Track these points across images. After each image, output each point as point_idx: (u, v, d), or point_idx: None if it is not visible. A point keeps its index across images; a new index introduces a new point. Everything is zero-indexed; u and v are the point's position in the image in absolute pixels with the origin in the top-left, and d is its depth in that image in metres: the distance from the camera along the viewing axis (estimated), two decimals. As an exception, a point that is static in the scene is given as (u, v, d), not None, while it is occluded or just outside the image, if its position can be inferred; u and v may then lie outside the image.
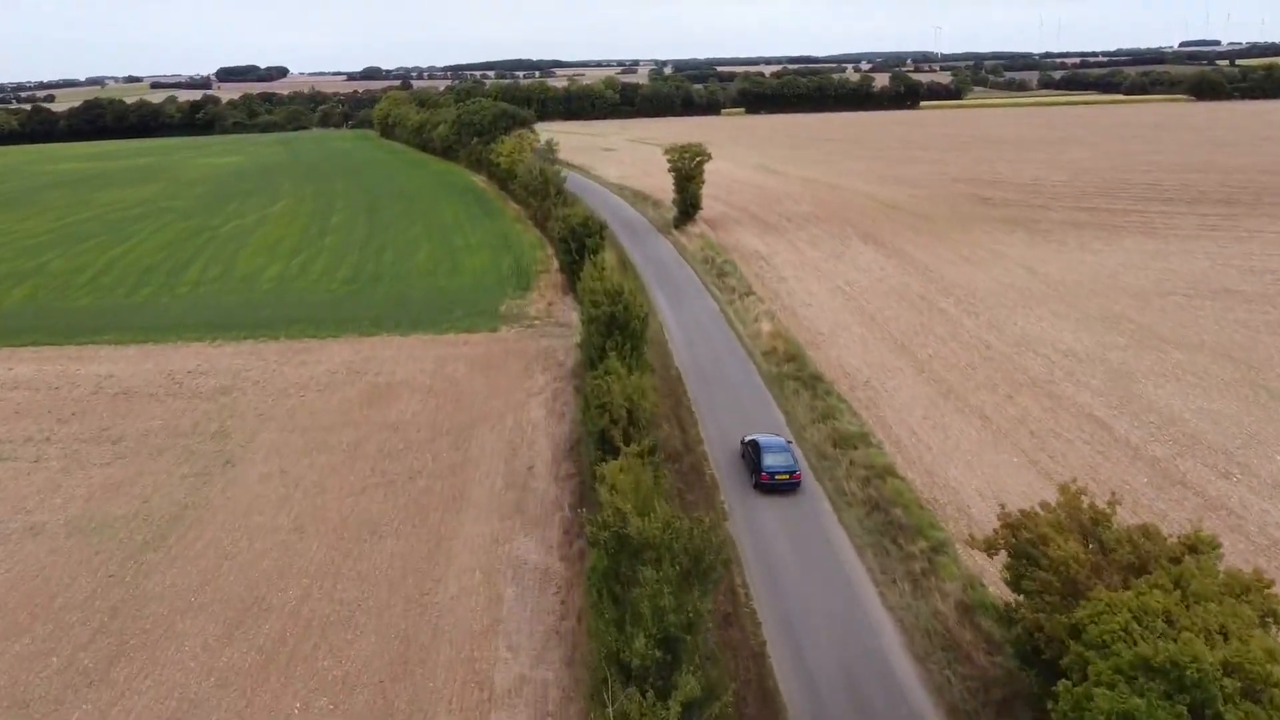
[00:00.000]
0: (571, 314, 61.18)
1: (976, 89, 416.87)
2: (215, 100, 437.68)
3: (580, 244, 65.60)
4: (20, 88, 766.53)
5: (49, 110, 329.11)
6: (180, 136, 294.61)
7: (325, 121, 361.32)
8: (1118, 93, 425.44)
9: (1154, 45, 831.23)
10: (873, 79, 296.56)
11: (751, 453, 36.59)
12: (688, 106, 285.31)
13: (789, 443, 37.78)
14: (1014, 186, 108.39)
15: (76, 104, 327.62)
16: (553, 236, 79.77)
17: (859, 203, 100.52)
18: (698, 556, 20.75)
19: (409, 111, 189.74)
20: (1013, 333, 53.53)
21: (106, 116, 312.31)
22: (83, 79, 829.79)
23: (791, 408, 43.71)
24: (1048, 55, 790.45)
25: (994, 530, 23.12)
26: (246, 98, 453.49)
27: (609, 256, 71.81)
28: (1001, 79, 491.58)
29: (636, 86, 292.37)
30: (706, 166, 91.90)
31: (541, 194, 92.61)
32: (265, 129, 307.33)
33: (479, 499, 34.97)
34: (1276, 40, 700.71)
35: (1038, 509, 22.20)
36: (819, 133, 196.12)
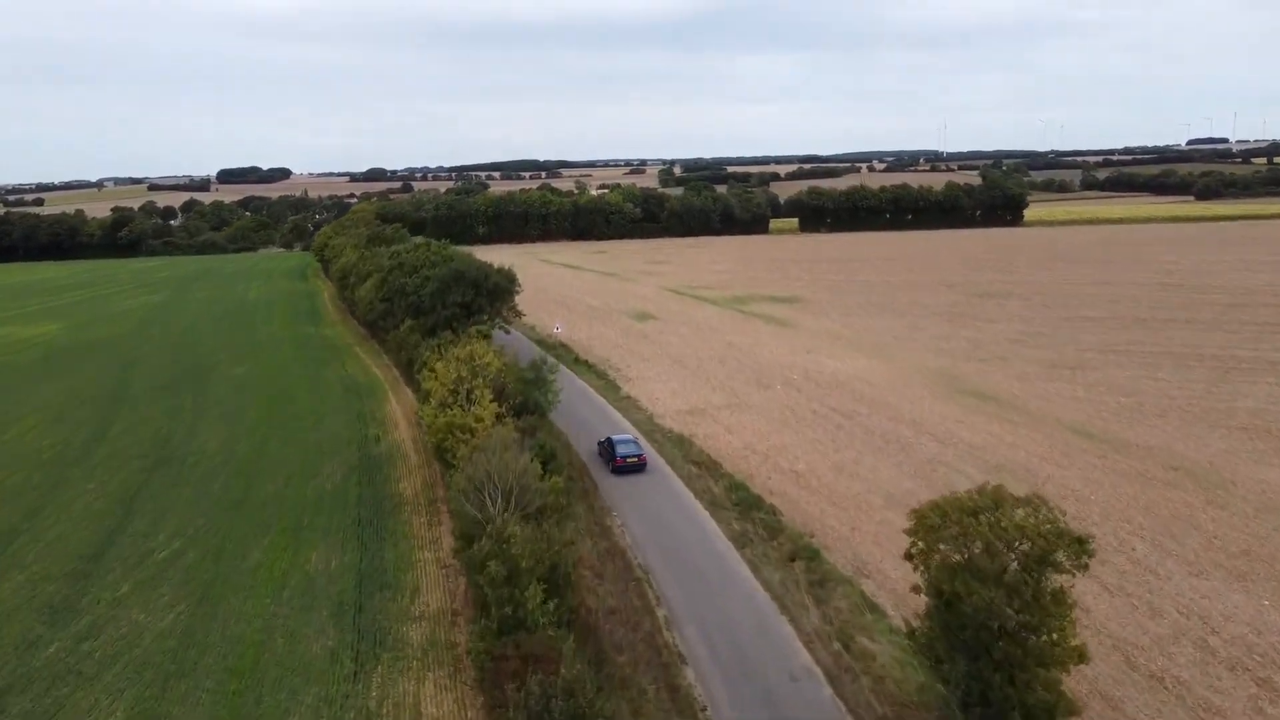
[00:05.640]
0: None
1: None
2: (202, 205, 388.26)
3: None
4: (15, 190, 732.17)
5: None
6: (96, 259, 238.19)
7: (297, 234, 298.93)
8: (1188, 194, 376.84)
9: (1159, 144, 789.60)
10: (959, 187, 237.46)
11: (607, 447, 50.37)
12: (727, 223, 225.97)
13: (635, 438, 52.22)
14: None
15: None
16: None
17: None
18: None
19: (344, 244, 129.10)
20: None
21: (14, 234, 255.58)
22: (93, 179, 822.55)
23: None
24: (1059, 154, 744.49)
25: None
26: (217, 205, 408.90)
27: None
28: (1031, 178, 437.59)
29: (663, 199, 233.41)
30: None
31: (504, 599, 29.99)
32: (202, 250, 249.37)
33: None
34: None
35: None
36: (949, 273, 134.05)
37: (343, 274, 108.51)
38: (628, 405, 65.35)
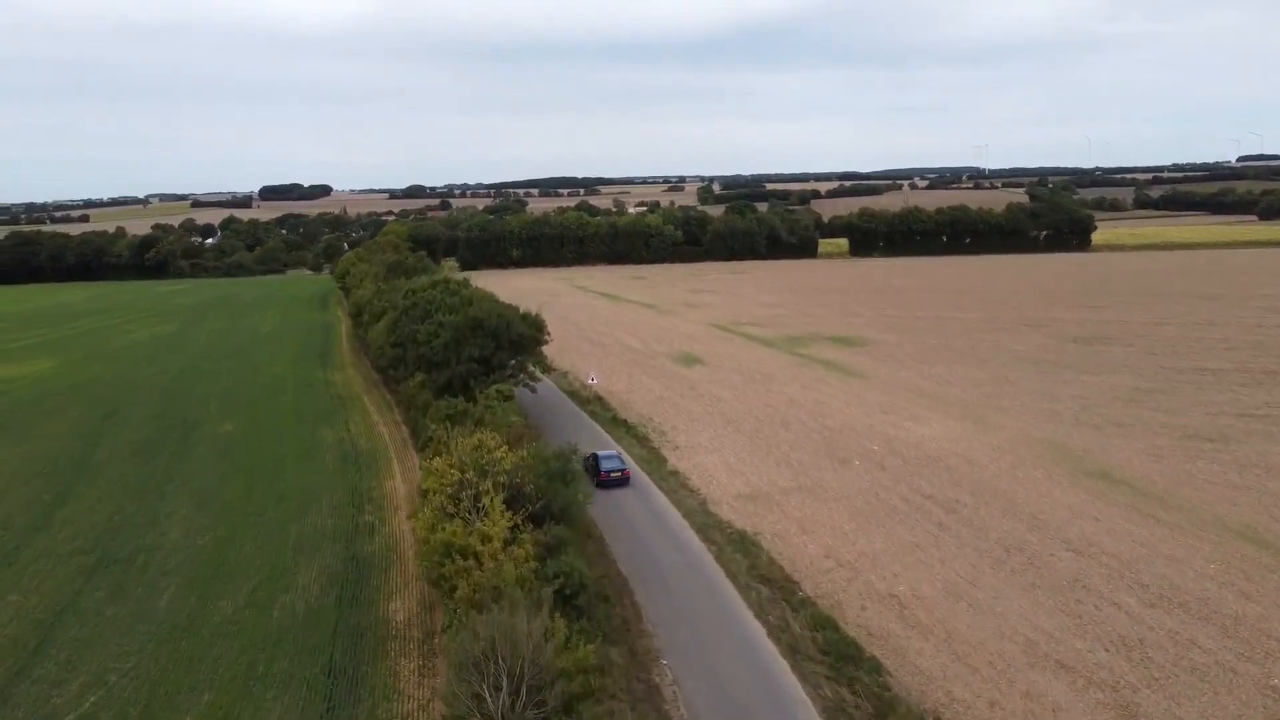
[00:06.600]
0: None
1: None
2: (240, 223, 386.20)
3: None
4: (60, 206, 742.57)
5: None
6: (124, 281, 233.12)
7: (329, 254, 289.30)
8: (1248, 213, 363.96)
9: (1208, 160, 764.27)
10: (1020, 208, 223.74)
11: (592, 463, 52.02)
12: (772, 246, 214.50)
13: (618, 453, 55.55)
14: None
15: (12, 237, 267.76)
16: None
17: None
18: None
19: (364, 273, 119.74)
20: None
21: (41, 255, 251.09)
22: (140, 196, 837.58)
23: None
24: (1105, 171, 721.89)
25: None
26: (253, 223, 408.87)
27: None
28: (1080, 196, 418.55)
29: (704, 220, 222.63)
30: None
31: None
32: (229, 271, 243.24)
33: None
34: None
35: None
36: (1028, 309, 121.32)
37: (358, 309, 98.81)
38: (675, 485, 54.12)
